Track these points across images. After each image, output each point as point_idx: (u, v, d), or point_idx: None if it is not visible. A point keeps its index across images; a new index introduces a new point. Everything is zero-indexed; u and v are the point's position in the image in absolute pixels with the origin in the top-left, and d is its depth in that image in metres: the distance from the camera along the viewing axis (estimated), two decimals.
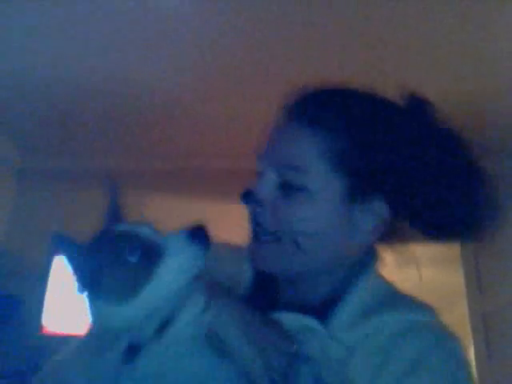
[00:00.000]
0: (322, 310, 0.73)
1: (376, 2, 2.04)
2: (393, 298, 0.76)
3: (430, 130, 0.76)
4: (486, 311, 2.83)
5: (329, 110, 0.75)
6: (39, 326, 2.69)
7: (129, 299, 0.63)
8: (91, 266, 0.64)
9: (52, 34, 2.26)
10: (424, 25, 2.16)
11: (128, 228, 0.67)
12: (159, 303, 0.65)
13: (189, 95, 2.66)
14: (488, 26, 2.16)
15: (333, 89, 0.78)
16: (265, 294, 0.80)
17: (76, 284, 0.66)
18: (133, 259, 0.63)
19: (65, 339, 2.29)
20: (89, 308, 0.66)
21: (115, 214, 0.71)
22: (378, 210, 0.74)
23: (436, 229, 0.76)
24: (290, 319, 0.71)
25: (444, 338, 0.71)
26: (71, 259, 0.65)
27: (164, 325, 0.65)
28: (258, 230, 0.75)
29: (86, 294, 0.66)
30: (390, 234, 0.77)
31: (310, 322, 0.71)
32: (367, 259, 0.78)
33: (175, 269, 0.64)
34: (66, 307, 2.61)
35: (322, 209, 0.72)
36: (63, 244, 0.64)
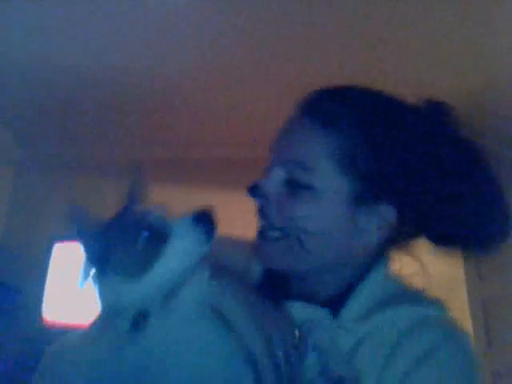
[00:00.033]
0: (333, 303, 0.74)
1: (376, 2, 2.03)
2: (403, 293, 0.77)
3: (447, 137, 0.75)
4: (486, 298, 2.84)
5: (342, 111, 0.74)
6: (39, 317, 2.68)
7: (136, 276, 0.65)
8: (102, 243, 0.66)
9: (52, 26, 2.25)
10: (424, 23, 2.14)
11: (140, 210, 0.69)
12: (166, 282, 0.66)
13: (189, 84, 2.64)
14: (488, 22, 2.14)
15: (348, 89, 0.78)
16: (275, 287, 0.80)
17: (82, 265, 0.67)
18: (141, 239, 0.65)
19: (65, 330, 2.28)
20: (97, 287, 0.68)
21: (134, 198, 0.72)
22: (385, 213, 0.73)
23: (445, 238, 0.76)
24: (299, 308, 0.72)
25: (453, 332, 0.71)
26: (83, 234, 0.67)
27: (171, 293, 0.67)
28: (265, 225, 0.75)
29: (93, 273, 0.67)
30: (400, 239, 0.77)
31: (320, 311, 0.72)
32: (378, 260, 0.77)
33: (180, 251, 0.66)
34: (67, 297, 2.61)
35: (327, 209, 0.72)
36: (78, 218, 0.67)
